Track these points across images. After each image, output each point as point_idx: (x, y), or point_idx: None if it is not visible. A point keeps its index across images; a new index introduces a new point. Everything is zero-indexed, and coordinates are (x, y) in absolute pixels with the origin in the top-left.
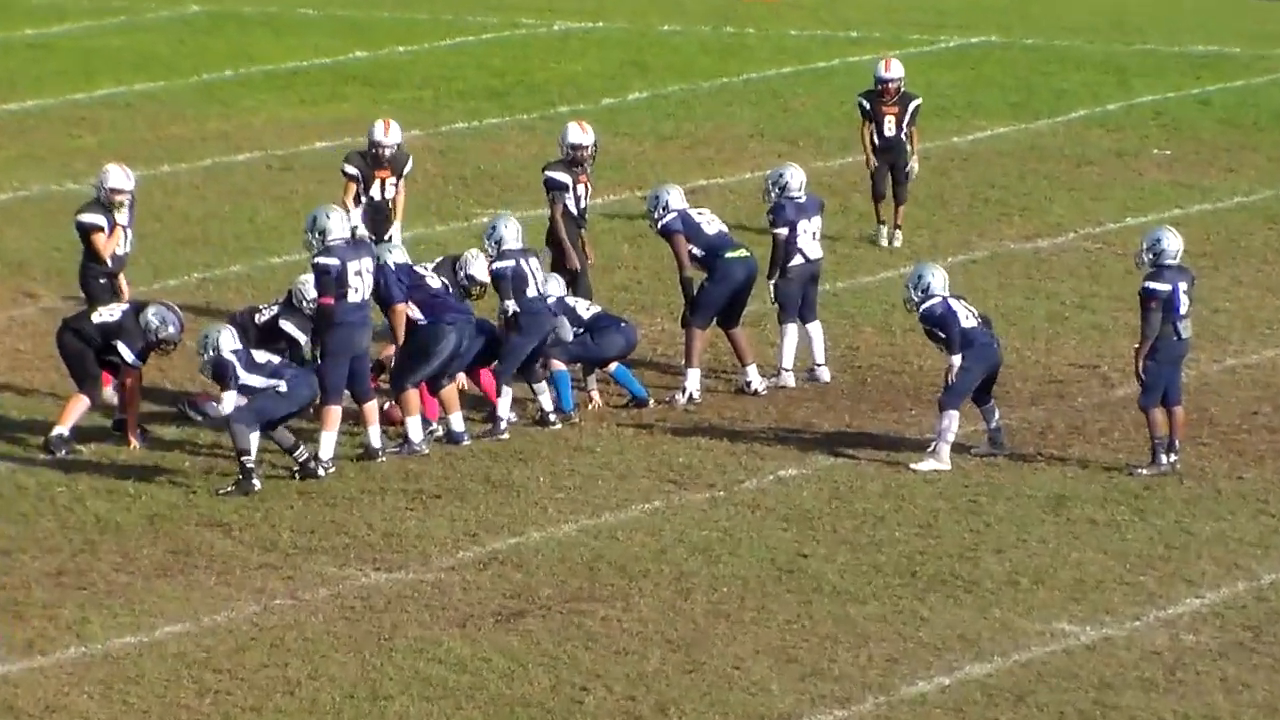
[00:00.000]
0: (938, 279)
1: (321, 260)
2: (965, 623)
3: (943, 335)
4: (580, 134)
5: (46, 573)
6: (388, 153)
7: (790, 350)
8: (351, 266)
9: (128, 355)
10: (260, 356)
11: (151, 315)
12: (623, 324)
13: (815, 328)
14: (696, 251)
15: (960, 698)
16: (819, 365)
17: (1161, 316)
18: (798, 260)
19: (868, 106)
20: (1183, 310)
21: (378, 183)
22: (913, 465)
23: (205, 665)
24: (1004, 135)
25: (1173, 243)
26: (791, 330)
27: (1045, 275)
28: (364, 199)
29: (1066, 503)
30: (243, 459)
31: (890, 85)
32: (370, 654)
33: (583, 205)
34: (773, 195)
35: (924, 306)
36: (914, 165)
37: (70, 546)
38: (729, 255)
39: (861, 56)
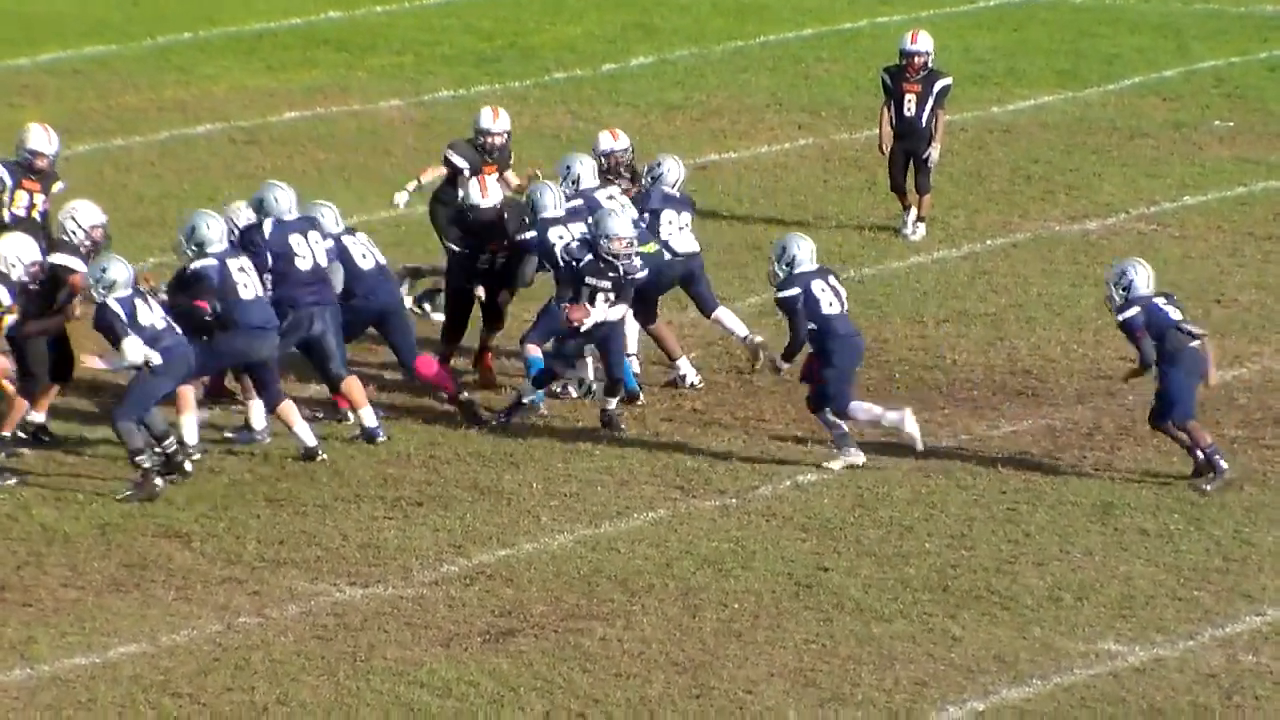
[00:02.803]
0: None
1: (198, 266)
2: (1002, 642)
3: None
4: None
5: None
6: (497, 141)
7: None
8: (234, 264)
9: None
10: (145, 315)
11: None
12: None
13: (723, 312)
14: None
15: None
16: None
17: (1162, 335)
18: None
19: (889, 83)
20: (1178, 316)
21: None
22: (825, 463)
23: (163, 689)
24: (1049, 105)
25: (1142, 274)
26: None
27: (1094, 260)
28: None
29: (1114, 511)
30: (136, 459)
31: (915, 60)
32: (345, 676)
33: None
34: (645, 182)
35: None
36: (934, 153)
37: (14, 559)
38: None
39: (891, 17)
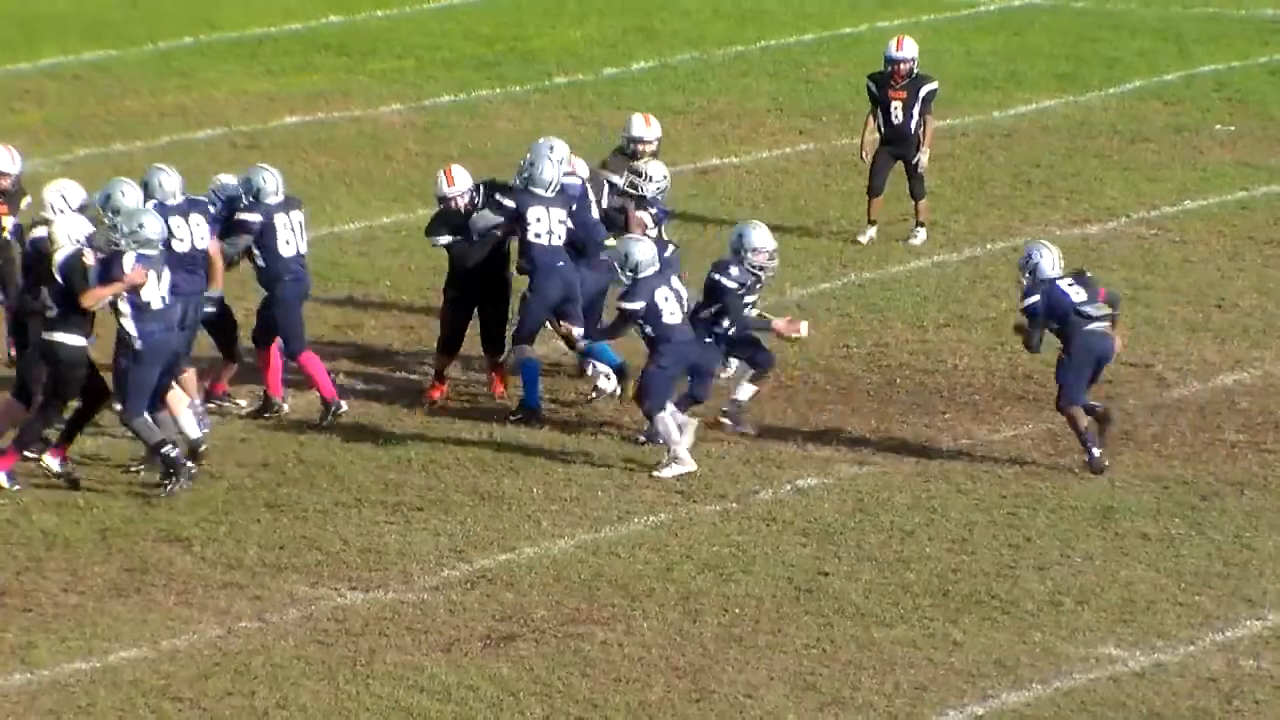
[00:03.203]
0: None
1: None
2: (1002, 647)
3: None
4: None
5: None
6: (650, 149)
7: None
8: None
9: None
10: (148, 290)
11: None
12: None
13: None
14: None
15: None
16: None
17: (1064, 318)
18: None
19: (875, 90)
20: (1081, 298)
21: None
22: (654, 473)
23: (164, 694)
24: (1050, 109)
25: (1048, 256)
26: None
27: (1095, 264)
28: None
29: (1115, 515)
30: (162, 451)
31: (901, 66)
32: (345, 681)
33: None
34: (519, 179)
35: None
36: (923, 158)
37: (14, 564)
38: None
39: (892, 22)
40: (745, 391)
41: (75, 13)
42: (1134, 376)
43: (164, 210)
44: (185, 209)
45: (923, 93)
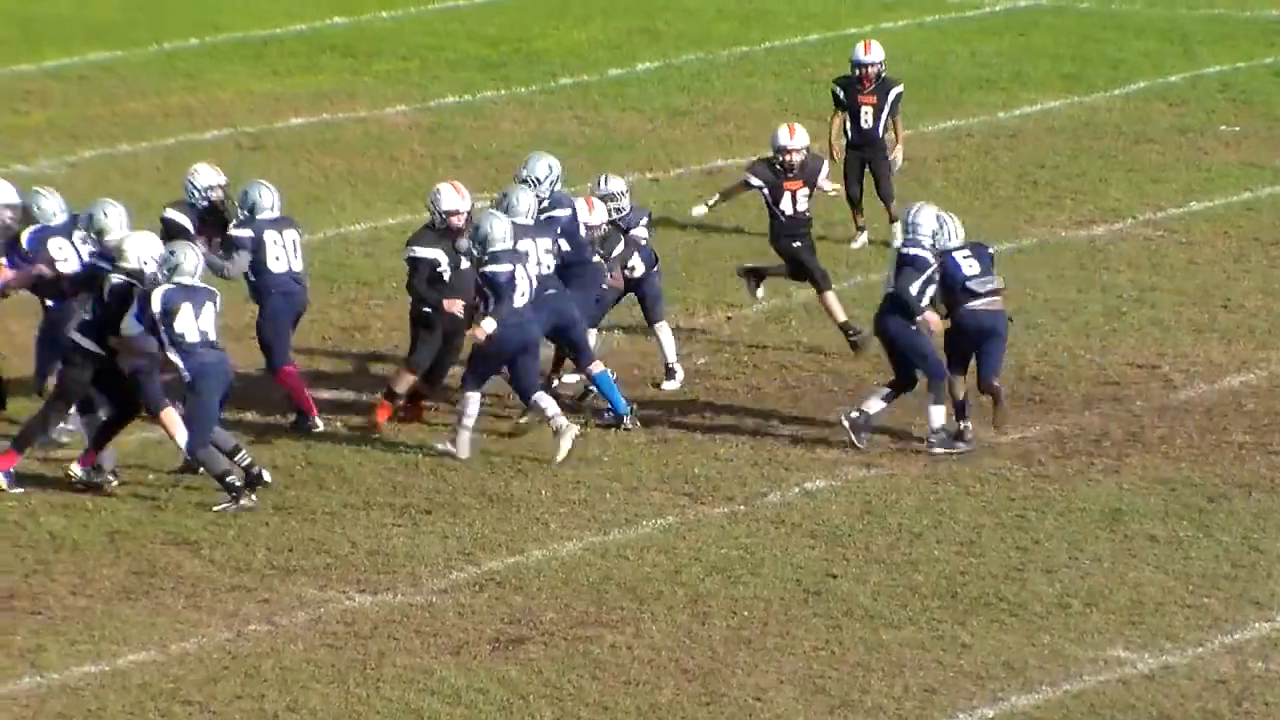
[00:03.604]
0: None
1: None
2: (1011, 649)
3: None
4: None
5: None
6: (795, 159)
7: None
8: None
9: None
10: (184, 321)
11: None
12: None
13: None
14: None
15: None
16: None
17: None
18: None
19: (841, 95)
20: (973, 271)
21: (788, 195)
22: (435, 444)
23: (173, 697)
24: (1055, 110)
25: (948, 227)
26: None
27: (1101, 265)
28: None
29: (1123, 518)
30: (225, 481)
31: (869, 70)
32: (355, 684)
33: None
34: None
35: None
36: (897, 157)
37: (23, 567)
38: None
39: (896, 23)
40: (875, 405)
41: (80, 14)
42: (1140, 378)
43: (46, 232)
44: (68, 229)
45: (891, 96)
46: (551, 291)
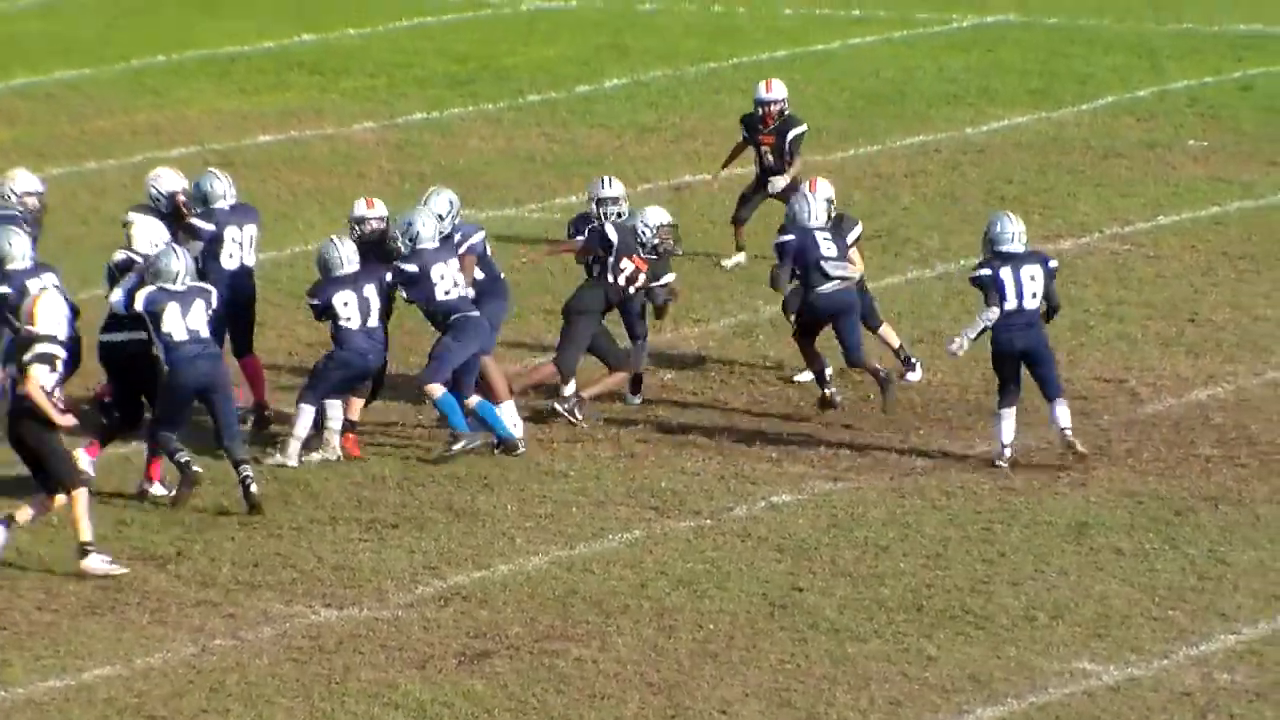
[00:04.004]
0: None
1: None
2: (976, 662)
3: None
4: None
5: None
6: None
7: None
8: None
9: None
10: (171, 321)
11: None
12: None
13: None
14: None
15: None
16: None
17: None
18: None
19: (746, 133)
20: (830, 252)
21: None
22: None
23: (138, 712)
24: (1023, 125)
25: (809, 207)
26: None
27: (1068, 280)
28: None
29: (1089, 530)
30: (175, 458)
31: (771, 109)
32: (320, 699)
33: None
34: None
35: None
36: (780, 183)
37: None
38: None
39: (864, 38)
40: (1065, 416)
41: (47, 32)
42: (1108, 392)
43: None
44: None
45: (789, 137)
46: (474, 312)
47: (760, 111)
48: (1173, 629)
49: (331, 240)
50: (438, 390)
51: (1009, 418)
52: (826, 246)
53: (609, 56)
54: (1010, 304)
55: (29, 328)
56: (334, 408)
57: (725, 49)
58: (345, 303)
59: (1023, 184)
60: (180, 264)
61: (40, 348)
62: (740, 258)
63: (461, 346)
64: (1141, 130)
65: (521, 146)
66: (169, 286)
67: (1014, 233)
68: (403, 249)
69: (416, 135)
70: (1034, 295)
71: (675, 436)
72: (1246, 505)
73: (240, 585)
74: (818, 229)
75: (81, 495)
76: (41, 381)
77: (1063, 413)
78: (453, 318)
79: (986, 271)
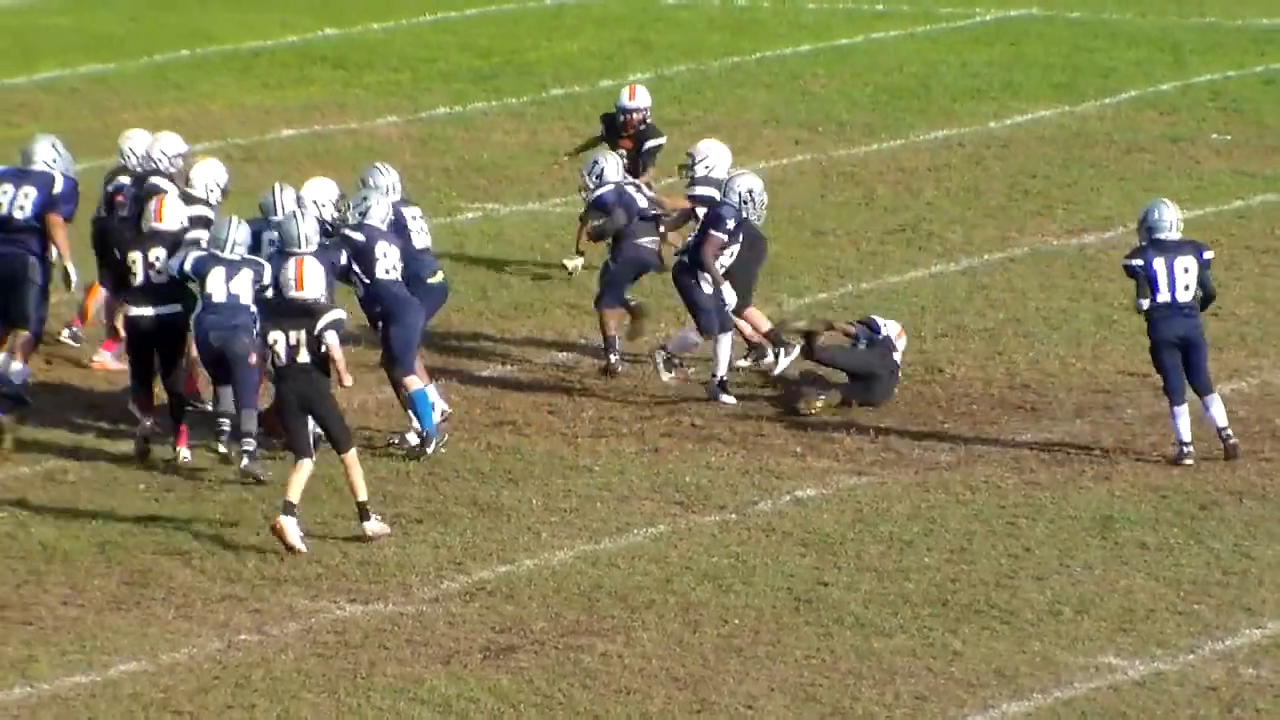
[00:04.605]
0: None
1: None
2: (1002, 656)
3: None
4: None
5: None
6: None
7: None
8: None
9: None
10: (214, 282)
11: None
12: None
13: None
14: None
15: None
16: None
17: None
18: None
19: (605, 133)
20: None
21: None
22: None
23: (164, 707)
24: (1046, 119)
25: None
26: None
27: (1092, 274)
28: None
29: (1114, 525)
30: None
31: (632, 116)
32: (345, 694)
33: None
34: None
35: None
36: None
37: (14, 577)
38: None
39: (888, 33)
40: (1221, 414)
41: (71, 27)
42: (1132, 386)
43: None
44: None
45: (646, 146)
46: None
47: (621, 118)
48: (1198, 623)
49: (293, 215)
50: (416, 383)
51: (1183, 415)
52: (641, 200)
53: (632, 51)
54: (1162, 295)
55: (298, 294)
56: None
57: (748, 44)
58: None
59: (1046, 178)
60: (235, 234)
61: (334, 314)
62: (579, 261)
63: (412, 328)
64: (1164, 124)
65: (545, 141)
66: (218, 253)
67: (1170, 220)
68: (350, 219)
69: (440, 129)
70: (1187, 287)
71: (699, 431)
72: (1271, 499)
73: (265, 580)
74: (629, 183)
75: (353, 456)
76: (334, 344)
77: (1218, 410)
78: (392, 302)
79: (1138, 261)
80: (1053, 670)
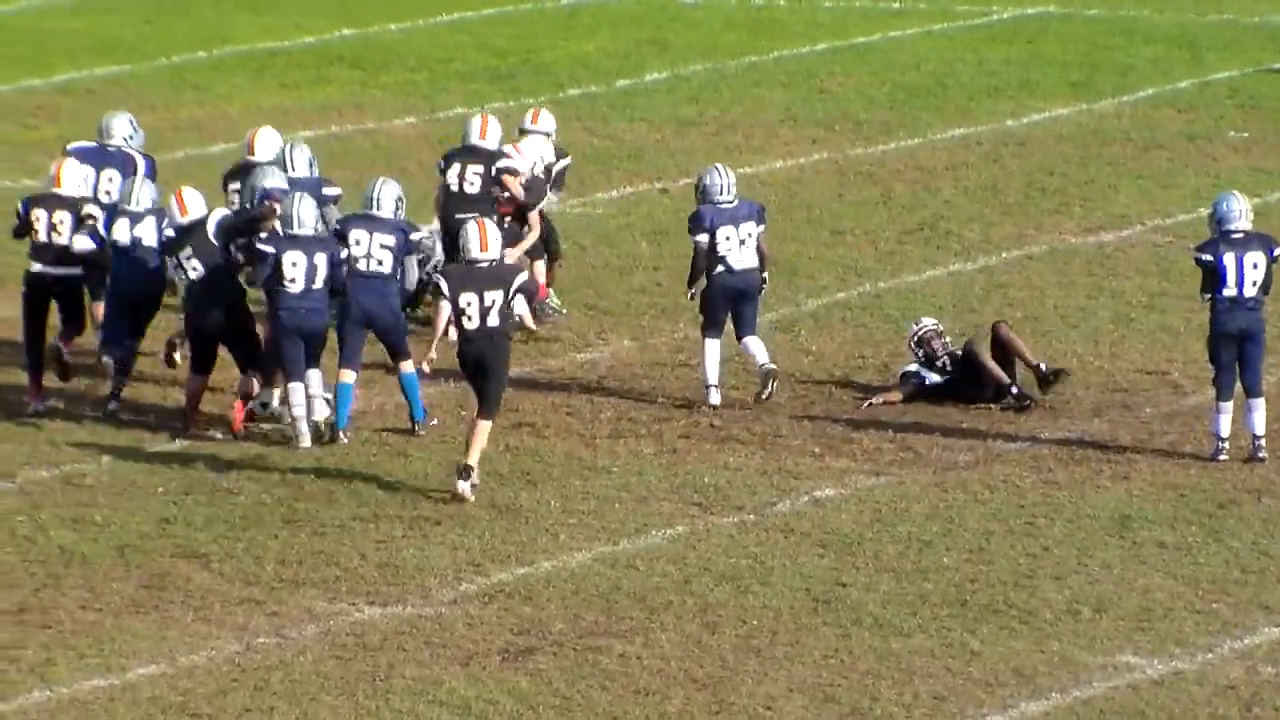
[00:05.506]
0: None
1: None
2: (1020, 656)
3: None
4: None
5: (7, 610)
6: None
7: (713, 366)
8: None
9: None
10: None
11: None
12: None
13: (754, 342)
14: None
15: None
16: (763, 366)
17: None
18: (719, 269)
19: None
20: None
21: None
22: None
23: (182, 710)
24: (1063, 117)
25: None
26: (712, 345)
27: (1110, 272)
28: None
29: (1132, 524)
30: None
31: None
32: (364, 697)
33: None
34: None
35: None
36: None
37: (33, 581)
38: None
39: (905, 31)
40: (1261, 421)
41: (84, 30)
42: (1150, 384)
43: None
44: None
45: (555, 168)
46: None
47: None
48: (1216, 622)
49: (295, 195)
50: (350, 375)
51: (1227, 412)
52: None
53: (649, 51)
54: (1229, 290)
55: (482, 255)
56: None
57: (765, 43)
58: (294, 263)
59: (1064, 176)
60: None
61: (524, 277)
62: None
63: (348, 325)
64: (1182, 122)
65: (562, 140)
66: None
67: (1241, 210)
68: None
69: (457, 130)
70: (1255, 283)
71: (717, 432)
72: None
73: (284, 583)
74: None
75: (490, 425)
76: (525, 308)
77: (1259, 417)
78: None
79: (1208, 256)
80: (1071, 669)
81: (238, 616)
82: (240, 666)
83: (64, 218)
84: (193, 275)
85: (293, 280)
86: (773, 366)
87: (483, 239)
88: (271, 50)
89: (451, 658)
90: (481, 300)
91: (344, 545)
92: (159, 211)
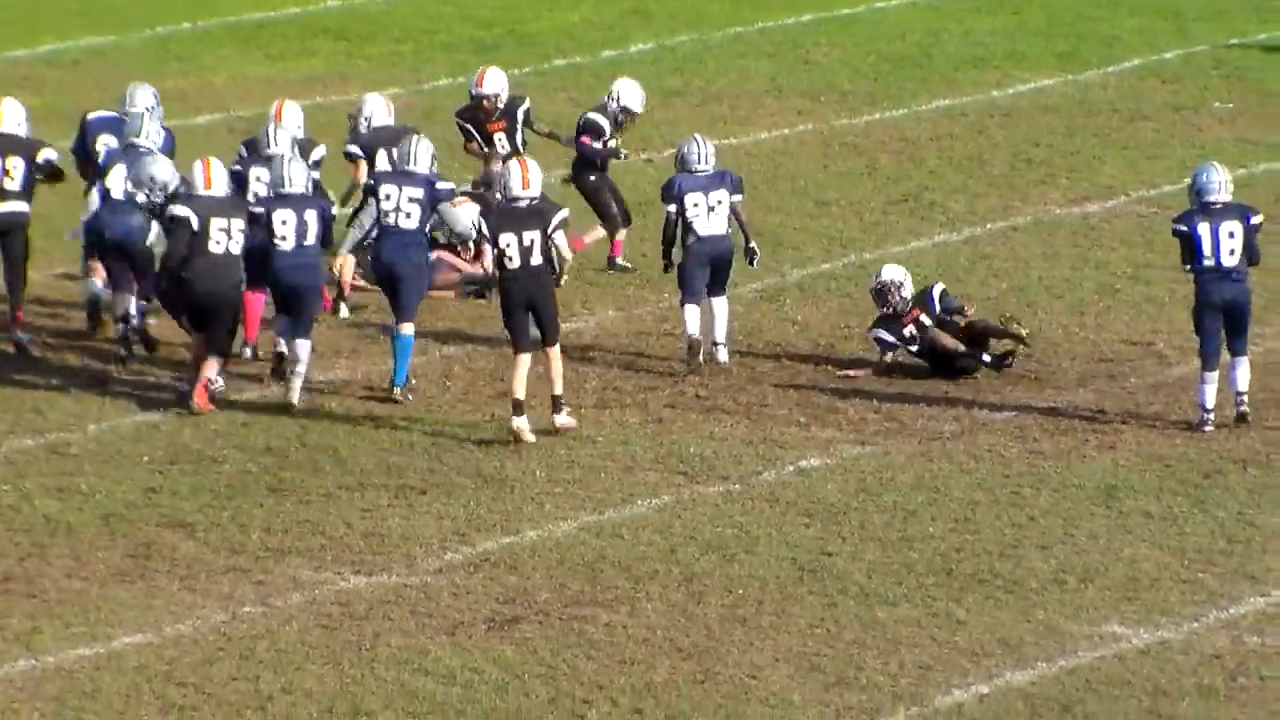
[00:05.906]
0: None
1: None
2: (1006, 626)
3: None
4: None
5: None
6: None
7: (694, 330)
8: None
9: None
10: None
11: None
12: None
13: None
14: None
15: (1001, 708)
16: (718, 344)
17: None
18: (691, 238)
19: (473, 129)
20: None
21: None
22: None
23: (168, 679)
24: (1049, 88)
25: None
26: (691, 311)
27: (1095, 243)
28: None
29: (1118, 494)
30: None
31: (485, 103)
32: (349, 665)
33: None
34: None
35: None
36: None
37: (17, 550)
38: None
39: (890, 1)
40: (1245, 378)
41: (74, 0)
42: (1135, 355)
43: None
44: None
45: (519, 114)
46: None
47: (477, 105)
48: (1202, 592)
49: (283, 159)
50: (408, 328)
51: (1211, 382)
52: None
53: (634, 21)
54: (1208, 260)
55: (524, 192)
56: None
57: (750, 13)
58: (284, 221)
59: (1049, 147)
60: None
61: (563, 214)
62: None
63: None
64: (1167, 93)
65: (547, 112)
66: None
67: (1220, 182)
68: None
69: (442, 100)
70: (1232, 252)
71: (702, 402)
72: (1276, 467)
73: (269, 552)
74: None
75: (558, 351)
76: (563, 243)
77: (1242, 374)
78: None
79: (1183, 226)
80: (1057, 639)
81: (223, 585)
82: (226, 635)
83: (17, 164)
84: (235, 249)
85: (283, 238)
86: (717, 343)
87: (524, 177)
88: (257, 21)
89: (437, 627)
90: (520, 240)
91: (330, 514)
92: (318, 200)
